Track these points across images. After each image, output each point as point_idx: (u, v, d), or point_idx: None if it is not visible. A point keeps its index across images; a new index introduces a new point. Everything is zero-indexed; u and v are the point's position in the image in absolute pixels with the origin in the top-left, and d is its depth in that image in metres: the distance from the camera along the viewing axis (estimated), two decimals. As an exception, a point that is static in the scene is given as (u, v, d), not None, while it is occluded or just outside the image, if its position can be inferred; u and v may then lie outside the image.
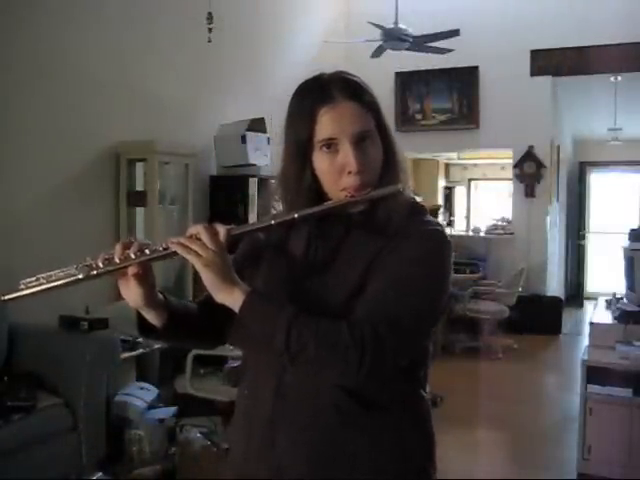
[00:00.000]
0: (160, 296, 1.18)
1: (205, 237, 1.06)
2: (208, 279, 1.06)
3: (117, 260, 1.08)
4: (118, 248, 1.09)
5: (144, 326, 1.19)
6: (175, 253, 1.07)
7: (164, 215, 4.43)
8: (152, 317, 1.17)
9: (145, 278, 1.12)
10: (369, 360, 1.03)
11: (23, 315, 3.13)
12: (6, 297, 1.08)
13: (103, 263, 1.08)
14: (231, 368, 3.68)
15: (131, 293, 1.12)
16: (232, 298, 1.06)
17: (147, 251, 1.08)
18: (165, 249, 1.08)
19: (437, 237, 1.15)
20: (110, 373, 3.21)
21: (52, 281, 1.06)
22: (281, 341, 1.04)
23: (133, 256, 1.08)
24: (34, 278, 1.07)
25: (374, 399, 1.13)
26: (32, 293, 1.06)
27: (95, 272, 1.07)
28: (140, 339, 3.62)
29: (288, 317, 1.05)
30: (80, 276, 1.06)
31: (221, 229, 1.07)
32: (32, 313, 3.11)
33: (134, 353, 3.59)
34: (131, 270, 1.09)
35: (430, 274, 1.12)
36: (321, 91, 1.14)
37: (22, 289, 1.07)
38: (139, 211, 4.31)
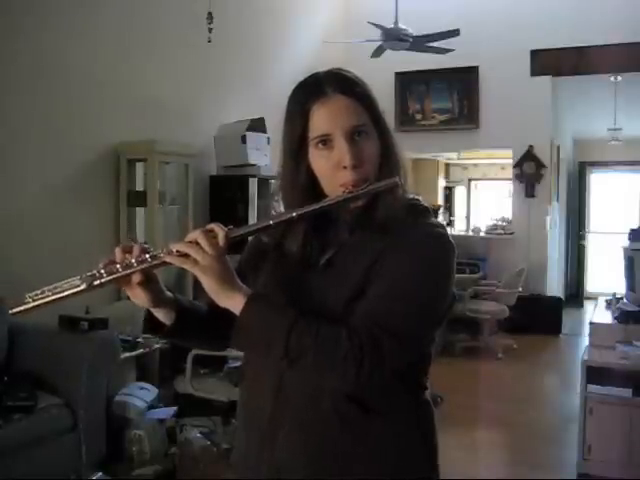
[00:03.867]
0: (169, 294, 1.17)
1: (203, 242, 1.04)
2: (208, 284, 1.05)
3: (119, 269, 1.07)
4: (118, 253, 1.08)
5: (154, 324, 1.19)
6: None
7: (164, 215, 4.43)
8: (161, 315, 1.17)
9: (149, 282, 1.11)
10: (367, 369, 1.02)
11: (23, 315, 3.13)
12: (14, 310, 1.08)
13: (106, 272, 1.07)
14: (232, 368, 3.68)
15: (137, 297, 1.12)
16: (233, 302, 1.06)
17: (148, 257, 1.07)
18: (168, 254, 1.07)
19: (440, 241, 1.13)
20: (110, 373, 3.21)
21: (57, 293, 1.06)
22: (280, 347, 1.03)
23: (135, 263, 1.07)
24: (39, 291, 1.07)
25: (373, 403, 1.11)
26: (38, 305, 1.06)
27: (99, 282, 1.07)
28: (140, 339, 3.62)
29: (288, 323, 1.04)
30: (84, 287, 1.06)
31: (220, 232, 1.06)
32: (32, 313, 3.11)
33: (134, 353, 3.59)
34: (135, 279, 1.08)
35: (431, 279, 1.10)
36: (313, 87, 1.14)
37: (28, 302, 1.07)
38: (139, 211, 4.31)
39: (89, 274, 1.07)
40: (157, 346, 3.74)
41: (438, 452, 1.21)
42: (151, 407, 3.52)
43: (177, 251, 1.05)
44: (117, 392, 3.44)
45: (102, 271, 1.07)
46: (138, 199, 4.25)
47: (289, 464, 1.13)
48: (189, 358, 3.55)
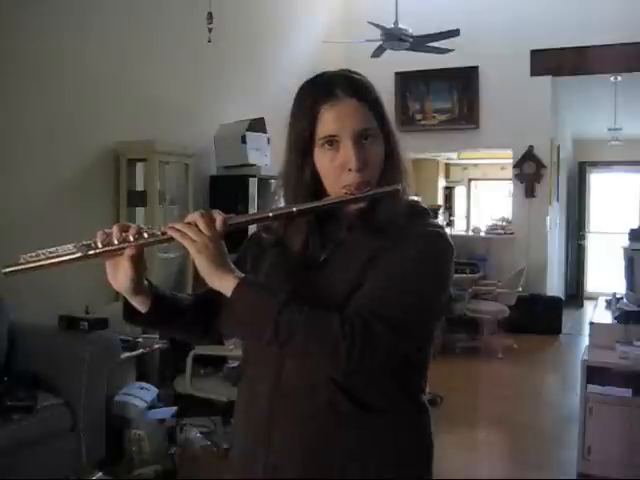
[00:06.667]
0: (146, 283, 1.18)
1: (201, 223, 1.06)
2: (201, 264, 1.06)
3: (115, 241, 1.08)
4: (116, 230, 1.09)
5: (129, 311, 1.19)
6: (172, 238, 1.08)
7: (164, 215, 4.42)
8: (138, 303, 1.17)
9: (138, 262, 1.11)
10: (358, 352, 1.02)
11: (23, 315, 3.14)
12: (6, 270, 1.07)
13: (102, 243, 1.08)
14: (232, 368, 3.68)
15: (121, 276, 1.11)
16: (225, 283, 1.07)
17: (145, 234, 1.08)
18: (163, 234, 1.09)
19: (438, 239, 1.15)
20: (110, 373, 3.21)
21: (51, 257, 1.06)
22: (270, 328, 1.04)
23: (132, 239, 1.08)
24: (34, 253, 1.07)
25: (369, 400, 1.12)
26: (31, 267, 1.06)
27: (93, 252, 1.07)
28: (140, 339, 3.62)
29: (278, 303, 1.05)
30: (79, 254, 1.06)
31: (218, 217, 1.08)
32: (32, 313, 3.12)
33: (134, 353, 3.59)
34: (128, 251, 1.09)
35: (428, 275, 1.12)
36: (324, 88, 1.15)
37: (22, 263, 1.07)
38: (139, 211, 4.30)
39: (85, 243, 1.07)
40: (157, 346, 3.74)
41: (433, 454, 1.22)
42: (151, 407, 3.52)
43: (176, 229, 1.07)
44: (117, 392, 3.43)
45: (98, 242, 1.07)
46: (138, 199, 4.24)
47: (285, 461, 1.14)
48: (189, 358, 3.55)
